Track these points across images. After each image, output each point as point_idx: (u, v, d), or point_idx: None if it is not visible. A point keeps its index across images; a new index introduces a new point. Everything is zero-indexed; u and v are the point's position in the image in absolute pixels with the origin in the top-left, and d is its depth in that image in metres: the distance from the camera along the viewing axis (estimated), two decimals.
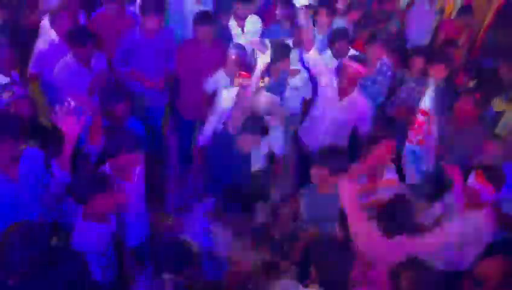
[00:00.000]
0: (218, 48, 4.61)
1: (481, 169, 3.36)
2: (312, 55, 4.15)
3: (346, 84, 4.14)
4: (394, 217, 2.99)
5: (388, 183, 3.60)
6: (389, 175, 3.67)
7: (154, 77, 4.65)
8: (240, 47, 4.46)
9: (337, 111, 4.23)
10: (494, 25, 6.45)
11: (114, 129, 3.53)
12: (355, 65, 4.10)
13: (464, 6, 6.68)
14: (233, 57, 4.32)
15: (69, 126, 2.92)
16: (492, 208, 3.40)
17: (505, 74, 5.19)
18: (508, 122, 4.78)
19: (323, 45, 5.09)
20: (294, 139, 4.70)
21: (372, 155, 3.53)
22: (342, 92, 4.20)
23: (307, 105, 4.87)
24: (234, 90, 3.97)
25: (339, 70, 4.21)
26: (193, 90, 4.66)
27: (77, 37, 4.13)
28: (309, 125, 4.47)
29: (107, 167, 3.28)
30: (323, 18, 5.18)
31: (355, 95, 4.23)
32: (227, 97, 4.03)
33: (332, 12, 5.30)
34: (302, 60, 4.60)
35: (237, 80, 3.90)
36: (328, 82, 4.22)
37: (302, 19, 4.12)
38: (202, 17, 4.53)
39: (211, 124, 4.14)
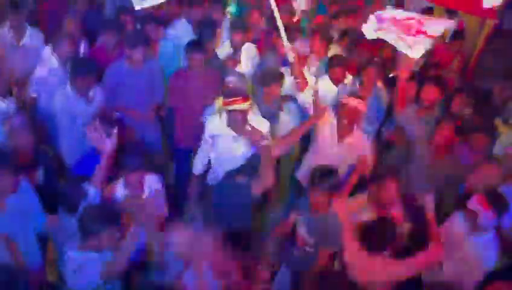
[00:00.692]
0: (210, 76, 4.64)
1: (482, 193, 3.37)
2: (306, 95, 4.11)
3: (345, 122, 4.04)
4: (376, 236, 3.09)
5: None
6: None
7: (143, 109, 4.65)
8: (237, 75, 4.49)
9: (336, 154, 4.07)
10: (486, 49, 6.56)
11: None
12: (354, 102, 4.01)
13: (456, 31, 6.81)
14: (231, 85, 4.35)
15: (104, 145, 3.03)
16: (495, 233, 3.40)
17: (498, 95, 5.28)
18: (504, 144, 4.81)
19: (320, 71, 5.16)
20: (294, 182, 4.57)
21: (379, 196, 3.53)
22: (341, 132, 4.08)
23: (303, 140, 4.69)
24: (223, 117, 3.96)
25: (338, 108, 4.11)
26: (187, 119, 4.66)
27: (78, 67, 4.15)
28: (306, 165, 4.28)
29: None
30: (317, 45, 5.25)
31: (356, 135, 4.10)
32: (214, 124, 4.02)
33: (327, 39, 5.38)
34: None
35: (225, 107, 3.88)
36: (326, 122, 4.09)
37: (291, 57, 4.07)
38: (193, 45, 4.58)
39: (203, 152, 4.14)
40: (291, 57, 4.12)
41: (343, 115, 4.02)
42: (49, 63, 4.60)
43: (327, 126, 4.09)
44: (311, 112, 4.07)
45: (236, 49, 5.17)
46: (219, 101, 3.96)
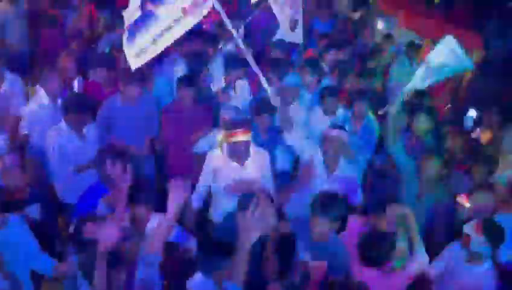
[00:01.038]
0: (201, 109, 4.66)
1: (478, 221, 3.38)
2: (293, 137, 4.13)
3: (331, 154, 4.10)
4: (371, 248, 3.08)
5: None
6: None
7: (137, 144, 4.67)
8: (232, 108, 4.54)
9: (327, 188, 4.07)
10: (474, 77, 6.68)
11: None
12: (336, 132, 4.10)
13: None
14: (226, 117, 4.38)
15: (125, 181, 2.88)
16: (492, 263, 3.39)
17: (488, 122, 5.36)
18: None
19: (312, 103, 5.22)
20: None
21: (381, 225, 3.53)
22: (330, 165, 4.15)
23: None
24: (225, 149, 3.95)
25: (322, 142, 4.17)
26: (179, 152, 4.66)
27: (72, 103, 4.17)
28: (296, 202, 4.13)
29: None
30: (309, 78, 5.33)
31: (343, 167, 4.16)
32: (216, 157, 4.03)
33: (319, 71, 5.46)
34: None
35: (226, 140, 3.90)
36: (313, 159, 4.13)
37: (275, 101, 4.11)
38: (183, 81, 4.63)
39: (201, 185, 4.11)
40: (275, 101, 4.13)
41: (328, 147, 4.08)
42: (39, 98, 4.61)
43: (315, 165, 4.11)
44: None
45: (230, 84, 5.22)
46: (220, 134, 3.99)
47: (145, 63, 5.11)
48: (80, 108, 4.13)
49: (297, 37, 6.42)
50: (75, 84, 5.10)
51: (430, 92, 5.91)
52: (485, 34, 7.61)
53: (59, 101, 4.56)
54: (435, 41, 7.28)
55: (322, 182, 4.04)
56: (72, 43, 6.09)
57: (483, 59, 6.73)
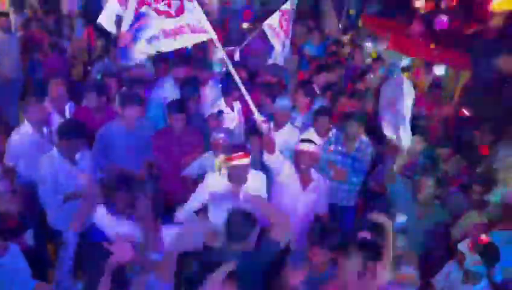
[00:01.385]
0: (192, 134, 4.69)
1: (473, 239, 3.38)
2: (274, 157, 4.15)
3: (304, 168, 4.18)
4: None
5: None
6: None
7: (135, 168, 4.66)
8: (226, 131, 4.56)
9: (303, 202, 4.19)
10: (463, 99, 6.76)
11: None
12: (306, 147, 4.19)
13: (434, 82, 7.05)
14: (220, 141, 4.39)
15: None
16: (489, 281, 3.38)
17: (479, 141, 5.40)
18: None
19: (304, 124, 5.26)
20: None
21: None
22: (303, 179, 4.21)
23: None
24: (224, 176, 3.96)
25: (296, 158, 4.24)
26: (170, 177, 4.64)
27: (64, 130, 4.15)
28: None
29: None
30: (301, 100, 5.39)
31: (315, 179, 4.24)
32: (213, 180, 4.01)
33: (311, 94, 5.52)
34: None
35: (225, 164, 3.90)
36: (290, 179, 4.19)
37: (263, 126, 4.18)
38: (174, 105, 4.67)
39: (192, 204, 4.06)
40: (264, 128, 4.18)
41: (302, 162, 4.16)
42: (22, 127, 4.54)
43: (291, 183, 4.18)
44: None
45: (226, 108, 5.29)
46: (217, 158, 4.01)
47: (139, 88, 5.20)
48: (71, 134, 4.12)
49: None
50: (67, 110, 5.09)
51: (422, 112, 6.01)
52: (473, 55, 7.72)
53: (44, 130, 4.54)
54: (425, 62, 7.46)
55: (297, 196, 4.11)
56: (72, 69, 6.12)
57: (472, 79, 6.81)
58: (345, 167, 4.76)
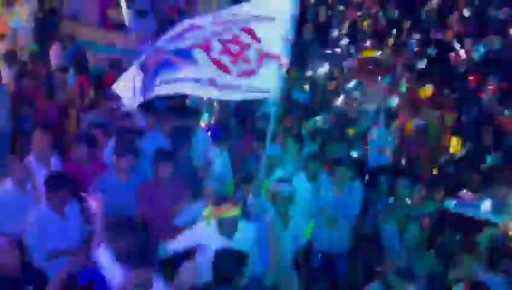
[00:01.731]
0: (178, 184, 4.66)
1: (466, 283, 3.36)
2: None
3: (280, 209, 4.31)
4: None
5: None
6: None
7: (128, 219, 4.59)
8: (217, 179, 4.56)
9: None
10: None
11: None
12: (279, 187, 4.31)
13: (420, 123, 7.15)
14: (210, 189, 4.38)
15: None
16: None
17: (469, 183, 5.45)
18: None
19: (295, 170, 5.29)
20: None
21: None
22: (281, 219, 4.31)
23: None
24: (213, 226, 3.94)
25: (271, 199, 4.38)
26: (158, 229, 4.58)
27: (51, 182, 4.12)
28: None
29: None
30: (291, 146, 5.44)
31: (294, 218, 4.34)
32: (202, 229, 3.99)
33: (300, 139, 5.59)
34: None
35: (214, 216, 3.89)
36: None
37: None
38: (161, 155, 4.67)
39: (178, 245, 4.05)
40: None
41: (274, 201, 4.29)
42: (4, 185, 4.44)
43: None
44: None
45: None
46: (207, 208, 3.98)
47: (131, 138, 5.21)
48: (59, 186, 4.09)
49: None
50: (52, 162, 5.05)
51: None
52: (457, 97, 7.92)
53: (28, 185, 4.49)
54: (412, 107, 7.60)
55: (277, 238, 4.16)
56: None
57: (456, 121, 6.96)
58: (336, 212, 4.76)
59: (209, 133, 5.81)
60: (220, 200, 3.96)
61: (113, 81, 4.76)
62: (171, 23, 9.59)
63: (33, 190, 4.54)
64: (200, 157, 5.40)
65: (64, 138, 5.58)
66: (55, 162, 5.02)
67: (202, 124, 6.16)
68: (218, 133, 5.57)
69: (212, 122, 6.27)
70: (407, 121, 7.43)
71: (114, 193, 4.47)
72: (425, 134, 6.80)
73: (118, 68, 7.59)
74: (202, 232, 3.97)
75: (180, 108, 5.97)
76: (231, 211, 3.82)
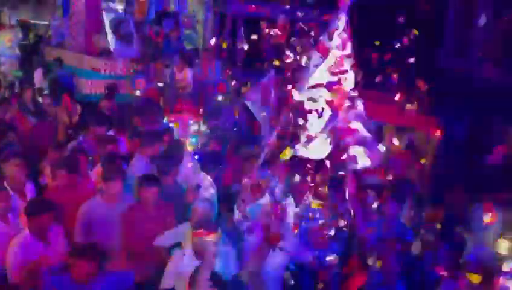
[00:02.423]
0: (163, 208, 4.64)
1: None
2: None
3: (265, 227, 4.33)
4: None
5: None
6: None
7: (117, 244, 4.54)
8: (207, 201, 4.54)
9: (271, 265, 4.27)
10: (436, 160, 6.94)
11: None
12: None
13: (407, 145, 7.23)
14: (200, 210, 4.33)
15: None
16: None
17: (455, 203, 5.48)
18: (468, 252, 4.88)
19: (282, 194, 5.27)
20: None
21: None
22: (271, 241, 4.31)
23: None
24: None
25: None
26: (140, 252, 4.52)
27: (31, 208, 4.05)
28: None
29: None
30: (279, 169, 5.44)
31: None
32: (180, 258, 3.96)
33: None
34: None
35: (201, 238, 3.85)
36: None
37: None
38: (146, 179, 4.64)
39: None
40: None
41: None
42: None
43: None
44: None
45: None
46: (189, 234, 3.95)
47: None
48: (39, 211, 4.01)
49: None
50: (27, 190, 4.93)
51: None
52: (443, 119, 8.03)
53: (10, 216, 4.39)
54: (397, 128, 7.68)
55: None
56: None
57: (443, 143, 7.04)
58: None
59: (196, 158, 5.78)
60: (200, 224, 3.92)
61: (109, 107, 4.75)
62: (156, 48, 9.89)
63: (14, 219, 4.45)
64: (187, 182, 5.36)
65: (42, 164, 5.50)
66: (30, 189, 4.95)
67: (189, 148, 6.13)
68: (206, 158, 5.56)
69: (199, 146, 6.24)
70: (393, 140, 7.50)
71: (103, 218, 4.43)
72: (413, 153, 6.84)
73: (113, 95, 7.66)
74: (181, 259, 3.95)
75: (164, 133, 5.96)
76: (208, 237, 3.77)
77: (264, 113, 6.54)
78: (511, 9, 12.68)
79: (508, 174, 6.64)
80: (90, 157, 5.54)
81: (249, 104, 6.54)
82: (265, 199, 4.97)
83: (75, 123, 7.64)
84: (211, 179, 5.40)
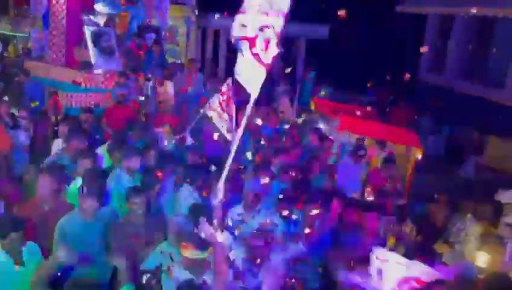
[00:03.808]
0: (151, 220, 4.62)
1: None
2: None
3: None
4: None
5: None
6: None
7: (98, 259, 4.48)
8: (182, 216, 4.51)
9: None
10: (415, 173, 7.05)
11: None
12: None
13: (386, 158, 7.33)
14: (175, 227, 4.31)
15: None
16: None
17: (434, 215, 5.55)
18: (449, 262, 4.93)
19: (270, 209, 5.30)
20: None
21: None
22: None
23: None
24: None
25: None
26: (129, 264, 4.46)
27: (4, 227, 3.91)
28: None
29: None
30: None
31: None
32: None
33: (271, 175, 5.62)
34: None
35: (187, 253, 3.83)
36: None
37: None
38: (133, 191, 4.63)
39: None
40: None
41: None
42: None
43: None
44: None
45: None
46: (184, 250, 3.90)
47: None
48: (9, 229, 3.88)
49: None
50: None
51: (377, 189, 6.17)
52: (421, 132, 8.19)
53: None
54: (377, 141, 7.80)
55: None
56: None
57: (422, 155, 7.15)
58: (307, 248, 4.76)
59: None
60: (183, 237, 3.91)
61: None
62: (138, 61, 9.86)
63: None
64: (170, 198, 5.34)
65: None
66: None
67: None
68: (190, 173, 5.54)
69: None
70: (373, 155, 7.61)
71: (79, 233, 4.38)
72: (393, 166, 6.92)
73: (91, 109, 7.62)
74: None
75: (143, 147, 5.92)
76: (200, 253, 3.76)
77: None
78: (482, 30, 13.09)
79: (481, 184, 6.77)
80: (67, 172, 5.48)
81: None
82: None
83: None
84: (190, 189, 5.40)
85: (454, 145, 10.85)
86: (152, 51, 10.25)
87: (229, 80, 6.26)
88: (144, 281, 3.60)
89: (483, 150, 10.51)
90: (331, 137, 7.78)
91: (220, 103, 6.30)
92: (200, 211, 4.39)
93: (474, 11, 11.49)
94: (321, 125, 8.53)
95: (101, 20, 9.44)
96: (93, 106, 8.13)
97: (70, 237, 4.41)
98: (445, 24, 15.01)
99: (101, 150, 5.91)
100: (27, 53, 11.24)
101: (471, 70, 13.93)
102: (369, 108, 9.64)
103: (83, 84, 8.69)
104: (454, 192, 6.01)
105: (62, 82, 8.87)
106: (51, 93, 8.53)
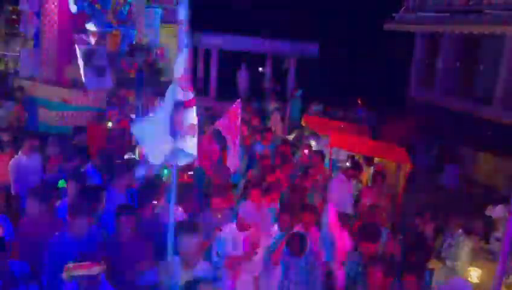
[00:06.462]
0: (141, 238, 4.58)
1: None
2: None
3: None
4: None
5: None
6: None
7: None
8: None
9: None
10: (406, 188, 7.06)
11: None
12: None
13: (376, 174, 7.33)
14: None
15: None
16: None
17: (426, 232, 5.55)
18: (438, 281, 4.94)
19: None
20: None
21: None
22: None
23: None
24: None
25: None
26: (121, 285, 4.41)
27: None
28: None
29: None
30: (257, 197, 5.46)
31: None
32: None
33: (265, 192, 5.63)
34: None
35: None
36: None
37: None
38: (123, 209, 4.59)
39: None
40: None
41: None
42: None
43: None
44: None
45: None
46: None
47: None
48: None
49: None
50: None
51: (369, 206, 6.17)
52: (411, 149, 8.24)
53: None
54: (366, 158, 7.84)
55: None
56: None
57: (411, 172, 7.18)
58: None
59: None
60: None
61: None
62: (129, 80, 9.90)
63: None
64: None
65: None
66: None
67: (164, 179, 6.09)
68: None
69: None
70: (363, 170, 7.63)
71: (68, 250, 4.34)
72: (383, 182, 6.94)
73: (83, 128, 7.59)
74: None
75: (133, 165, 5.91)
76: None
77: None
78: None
79: (471, 199, 6.79)
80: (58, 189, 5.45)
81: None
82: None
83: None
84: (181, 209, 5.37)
85: (437, 155, 11.03)
86: (143, 69, 10.30)
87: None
88: None
89: (460, 158, 10.67)
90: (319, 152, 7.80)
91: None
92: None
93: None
94: (312, 142, 8.56)
95: (93, 39, 9.48)
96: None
97: (59, 255, 4.38)
98: (433, 42, 15.24)
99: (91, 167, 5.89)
100: (17, 72, 11.25)
101: (459, 87, 14.10)
102: (359, 125, 9.70)
103: (73, 103, 8.69)
104: (444, 208, 6.02)
105: (51, 101, 8.86)
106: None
